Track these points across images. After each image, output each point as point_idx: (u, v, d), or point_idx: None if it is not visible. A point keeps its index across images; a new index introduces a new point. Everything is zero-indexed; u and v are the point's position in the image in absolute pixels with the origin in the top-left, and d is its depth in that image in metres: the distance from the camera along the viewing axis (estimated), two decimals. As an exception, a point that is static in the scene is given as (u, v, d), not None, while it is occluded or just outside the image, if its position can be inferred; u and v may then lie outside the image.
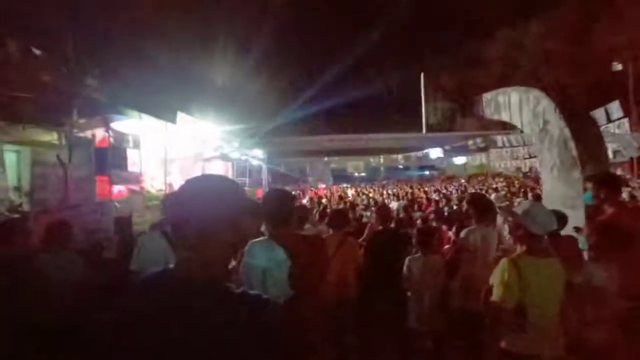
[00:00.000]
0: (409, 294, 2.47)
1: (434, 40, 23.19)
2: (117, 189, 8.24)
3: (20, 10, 7.55)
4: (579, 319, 1.75)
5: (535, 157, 10.18)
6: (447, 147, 18.24)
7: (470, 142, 16.52)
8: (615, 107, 10.08)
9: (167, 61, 14.73)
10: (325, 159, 21.77)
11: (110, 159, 7.50)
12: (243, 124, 15.16)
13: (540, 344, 1.58)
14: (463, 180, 19.34)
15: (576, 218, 2.69)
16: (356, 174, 27.03)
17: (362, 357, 2.47)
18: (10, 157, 7.05)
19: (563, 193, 3.03)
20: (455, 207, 6.05)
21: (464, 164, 23.67)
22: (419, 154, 18.91)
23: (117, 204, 7.35)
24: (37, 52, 6.28)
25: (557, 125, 3.20)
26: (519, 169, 15.59)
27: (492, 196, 9.10)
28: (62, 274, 2.31)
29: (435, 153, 18.80)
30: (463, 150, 19.10)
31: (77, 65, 7.33)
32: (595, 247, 1.84)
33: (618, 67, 12.80)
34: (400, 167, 28.96)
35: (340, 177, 21.95)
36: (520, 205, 1.64)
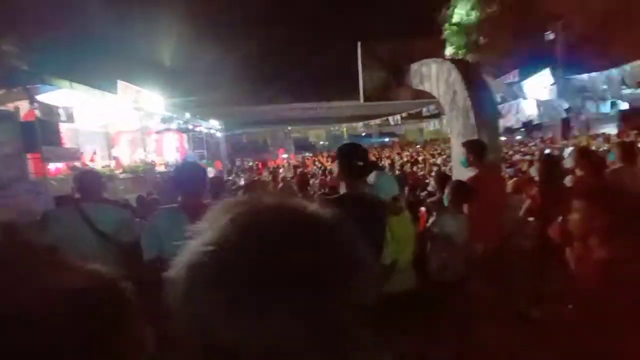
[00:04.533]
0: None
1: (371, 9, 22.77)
2: (53, 166, 7.75)
3: None
4: (437, 263, 2.14)
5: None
6: (404, 115, 18.70)
7: (424, 109, 17.13)
8: (546, 74, 10.90)
9: (103, 23, 13.20)
10: (289, 128, 21.54)
11: (39, 135, 6.91)
12: (195, 95, 14.36)
13: (400, 282, 1.93)
14: (419, 146, 20.25)
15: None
16: (320, 143, 27.17)
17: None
18: None
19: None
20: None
21: (421, 130, 24.60)
22: (377, 121, 19.30)
23: (53, 182, 6.95)
24: None
25: (462, 96, 3.52)
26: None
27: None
28: None
29: (393, 120, 19.27)
30: (419, 117, 19.76)
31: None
32: (449, 202, 2.21)
33: (550, 36, 13.76)
34: (363, 134, 29.43)
35: (303, 146, 22.00)
36: (371, 175, 1.91)
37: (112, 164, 9.61)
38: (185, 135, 13.89)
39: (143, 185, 8.53)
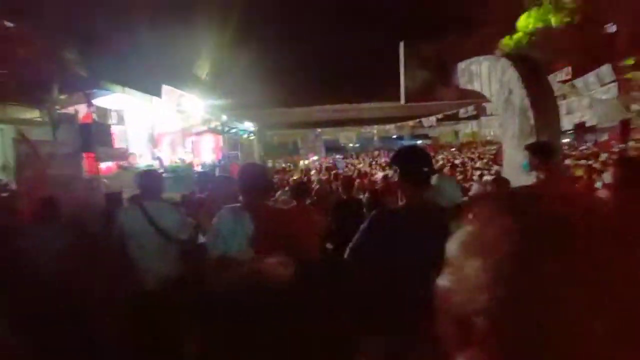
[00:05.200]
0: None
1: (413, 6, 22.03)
2: (105, 165, 8.30)
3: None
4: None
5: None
6: (439, 116, 18.05)
7: (462, 110, 16.42)
8: (606, 71, 9.93)
9: (150, 33, 14.07)
10: (318, 130, 21.60)
11: (94, 136, 7.46)
12: (230, 98, 14.84)
13: None
14: (454, 149, 19.44)
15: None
16: (350, 145, 26.98)
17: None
18: (-7, 136, 6.99)
19: (521, 160, 3.18)
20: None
21: (457, 133, 23.64)
22: (410, 123, 18.78)
23: (105, 180, 7.44)
24: (9, 24, 6.04)
25: (519, 95, 3.27)
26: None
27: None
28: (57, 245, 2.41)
29: (427, 122, 18.67)
30: (455, 119, 18.99)
31: (55, 38, 7.03)
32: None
33: (612, 28, 12.37)
34: (394, 136, 28.82)
35: (333, 148, 21.97)
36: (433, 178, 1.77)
37: (156, 163, 10.14)
38: (220, 137, 14.39)
39: (184, 184, 8.88)
